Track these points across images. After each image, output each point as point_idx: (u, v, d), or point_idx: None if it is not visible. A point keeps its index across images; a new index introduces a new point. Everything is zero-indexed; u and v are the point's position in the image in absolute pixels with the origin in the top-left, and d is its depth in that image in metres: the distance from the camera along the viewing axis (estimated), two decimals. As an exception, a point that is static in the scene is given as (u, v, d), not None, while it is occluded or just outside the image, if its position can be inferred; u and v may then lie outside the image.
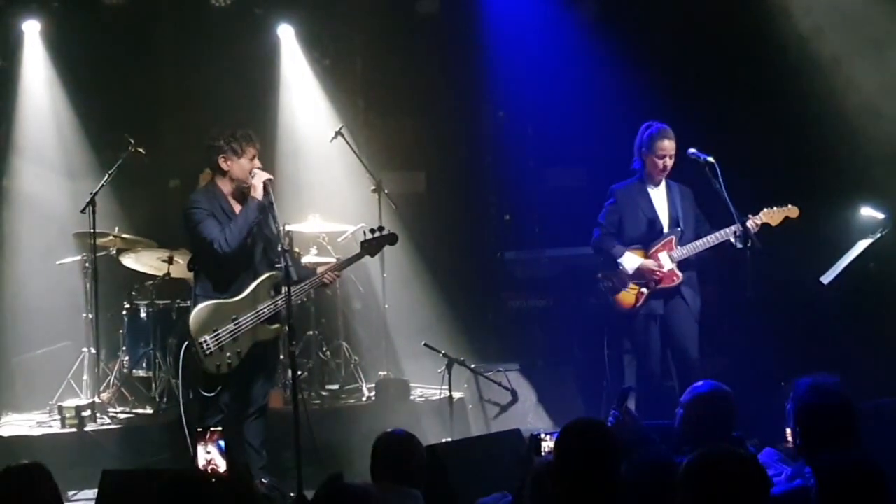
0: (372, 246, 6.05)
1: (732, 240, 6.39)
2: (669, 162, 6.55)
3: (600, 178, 6.97)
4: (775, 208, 6.51)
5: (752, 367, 6.69)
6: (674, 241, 6.57)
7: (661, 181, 6.64)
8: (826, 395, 3.84)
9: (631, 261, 6.54)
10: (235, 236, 5.75)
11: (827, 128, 7.40)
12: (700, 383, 4.38)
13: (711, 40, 8.26)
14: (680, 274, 6.53)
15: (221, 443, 4.38)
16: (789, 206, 6.53)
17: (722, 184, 6.30)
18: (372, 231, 6.09)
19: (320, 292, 7.72)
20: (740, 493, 3.05)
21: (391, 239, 6.11)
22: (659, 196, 6.65)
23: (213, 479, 4.20)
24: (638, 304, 6.55)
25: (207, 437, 4.39)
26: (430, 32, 9.24)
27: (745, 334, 6.97)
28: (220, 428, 4.54)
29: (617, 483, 3.42)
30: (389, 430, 4.35)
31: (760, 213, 6.47)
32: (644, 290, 6.53)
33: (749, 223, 6.35)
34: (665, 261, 6.53)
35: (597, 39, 8.46)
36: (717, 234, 6.48)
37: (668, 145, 6.52)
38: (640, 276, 6.53)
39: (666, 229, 6.60)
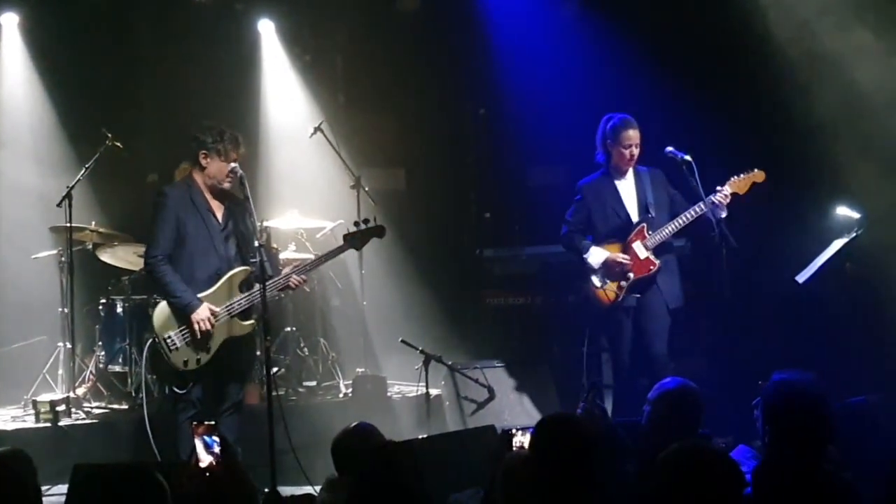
0: (357, 239, 5.95)
1: (703, 208, 6.26)
2: (636, 151, 6.51)
3: (580, 177, 6.96)
4: (742, 175, 6.39)
5: (727, 366, 6.69)
6: (645, 229, 6.51)
7: (627, 171, 6.61)
8: (796, 393, 3.81)
9: (597, 255, 6.52)
10: (157, 275, 5.70)
11: (803, 126, 7.41)
12: (668, 380, 4.39)
13: (693, 38, 8.27)
14: (656, 261, 6.47)
15: (207, 437, 4.31)
16: (755, 170, 6.42)
17: (699, 182, 6.30)
18: (357, 224, 5.99)
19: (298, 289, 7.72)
20: (715, 488, 3.07)
21: (378, 231, 5.98)
22: (626, 186, 6.62)
23: (202, 474, 4.15)
24: (619, 300, 6.50)
25: (194, 430, 4.34)
26: (411, 29, 9.24)
27: (720, 333, 6.98)
28: (212, 422, 4.47)
29: (593, 476, 3.43)
30: (351, 424, 4.33)
31: (727, 184, 6.35)
32: (623, 283, 6.48)
33: (718, 196, 6.26)
34: (639, 250, 6.48)
35: (579, 37, 8.46)
36: (688, 212, 6.37)
37: (634, 134, 6.49)
38: (609, 269, 6.50)
39: (636, 218, 6.56)
